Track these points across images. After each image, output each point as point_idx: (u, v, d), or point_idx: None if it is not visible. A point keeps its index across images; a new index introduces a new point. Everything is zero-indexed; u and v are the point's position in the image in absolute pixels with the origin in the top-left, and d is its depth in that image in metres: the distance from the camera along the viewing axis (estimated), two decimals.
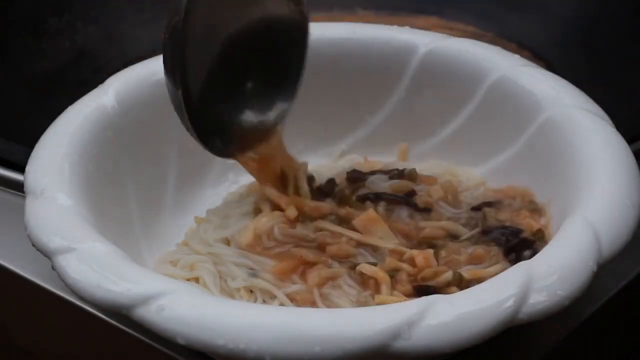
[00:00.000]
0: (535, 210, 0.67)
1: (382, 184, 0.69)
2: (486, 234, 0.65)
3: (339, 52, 0.77)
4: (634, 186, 0.59)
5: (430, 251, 0.63)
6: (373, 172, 0.72)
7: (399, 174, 0.71)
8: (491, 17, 1.12)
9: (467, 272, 0.61)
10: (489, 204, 0.69)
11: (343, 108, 0.78)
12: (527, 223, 0.66)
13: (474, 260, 0.63)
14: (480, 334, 0.50)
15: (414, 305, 0.51)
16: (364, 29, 0.78)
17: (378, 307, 0.54)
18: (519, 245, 0.64)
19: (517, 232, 0.65)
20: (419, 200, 0.68)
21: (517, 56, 0.74)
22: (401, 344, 0.50)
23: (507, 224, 0.66)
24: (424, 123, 0.77)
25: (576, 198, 0.60)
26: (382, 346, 0.50)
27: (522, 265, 0.54)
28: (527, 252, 0.63)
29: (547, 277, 0.52)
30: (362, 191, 0.69)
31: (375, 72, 0.77)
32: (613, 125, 0.65)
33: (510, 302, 0.51)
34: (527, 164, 0.70)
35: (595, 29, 1.04)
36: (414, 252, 0.62)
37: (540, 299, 0.52)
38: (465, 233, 0.66)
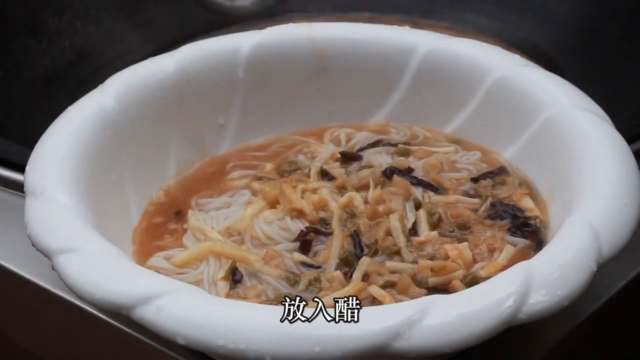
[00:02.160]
0: (532, 194, 0.68)
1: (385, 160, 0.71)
2: (494, 208, 0.66)
3: (338, 52, 0.77)
4: (633, 186, 0.59)
5: (465, 244, 0.63)
6: (361, 150, 0.73)
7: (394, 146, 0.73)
8: (492, 16, 1.12)
9: (483, 269, 0.62)
10: (490, 174, 0.70)
11: (343, 107, 0.78)
12: (525, 205, 0.66)
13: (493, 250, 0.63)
14: (481, 334, 0.50)
15: (414, 305, 0.51)
16: (363, 29, 0.78)
17: (378, 307, 0.54)
18: (523, 225, 0.65)
19: (517, 210, 0.66)
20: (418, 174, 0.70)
21: (517, 56, 0.74)
22: (401, 344, 0.50)
23: (506, 201, 0.67)
24: (424, 123, 0.77)
25: (576, 198, 0.60)
26: (383, 346, 0.50)
27: (522, 265, 0.54)
28: (528, 230, 0.64)
29: (547, 276, 0.53)
30: (366, 171, 0.70)
31: (375, 71, 0.77)
32: (613, 125, 0.65)
33: (510, 302, 0.51)
34: (527, 164, 0.70)
35: (596, 29, 1.04)
36: (448, 246, 0.63)
37: (540, 299, 0.52)
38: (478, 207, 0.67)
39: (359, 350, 0.50)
